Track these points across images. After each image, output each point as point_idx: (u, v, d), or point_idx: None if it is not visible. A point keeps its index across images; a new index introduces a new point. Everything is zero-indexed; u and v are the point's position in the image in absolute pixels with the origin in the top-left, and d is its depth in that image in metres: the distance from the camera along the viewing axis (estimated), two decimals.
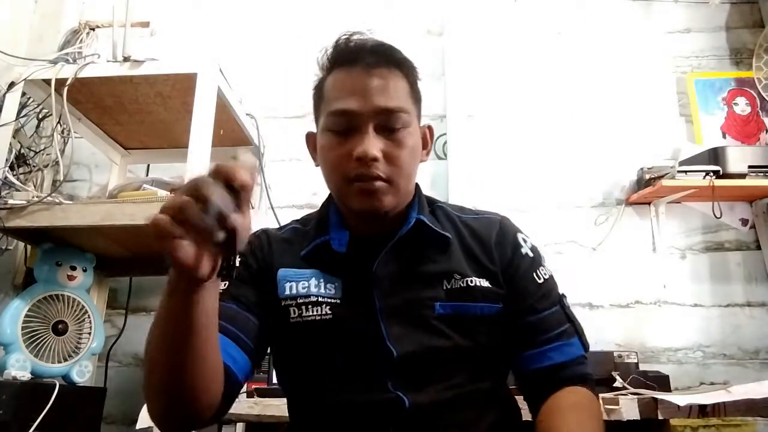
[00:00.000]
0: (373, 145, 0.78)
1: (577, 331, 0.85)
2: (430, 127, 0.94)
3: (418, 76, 0.89)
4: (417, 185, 0.92)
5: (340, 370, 0.80)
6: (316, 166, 0.89)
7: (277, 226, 0.97)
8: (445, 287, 0.82)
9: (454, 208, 0.94)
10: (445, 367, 0.79)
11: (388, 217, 0.84)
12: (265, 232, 0.93)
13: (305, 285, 0.84)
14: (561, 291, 0.89)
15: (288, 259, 0.87)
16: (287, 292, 0.84)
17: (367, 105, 0.80)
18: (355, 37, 0.85)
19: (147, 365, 0.67)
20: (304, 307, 0.82)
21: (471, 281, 0.82)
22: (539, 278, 0.86)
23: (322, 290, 0.83)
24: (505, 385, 0.88)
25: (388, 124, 0.81)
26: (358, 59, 0.82)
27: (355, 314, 0.81)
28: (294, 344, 0.85)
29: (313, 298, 0.82)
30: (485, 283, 0.83)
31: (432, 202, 0.94)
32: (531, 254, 0.88)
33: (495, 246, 0.87)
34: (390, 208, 0.82)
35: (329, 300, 0.82)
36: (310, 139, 0.91)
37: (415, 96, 0.88)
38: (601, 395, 1.08)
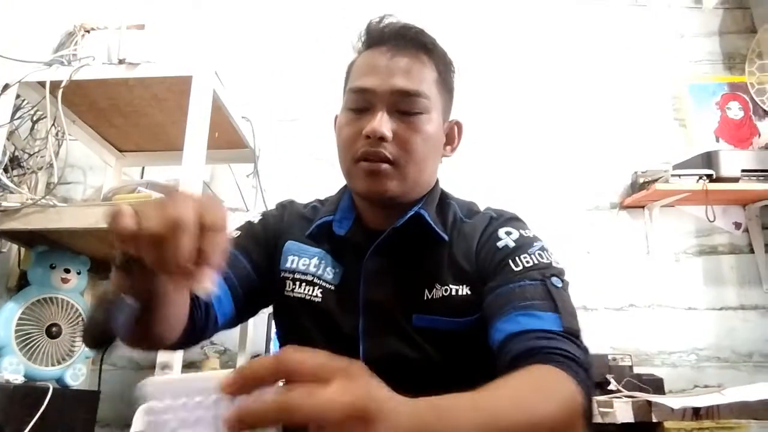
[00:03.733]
0: (383, 123, 0.76)
1: (559, 311, 0.68)
2: (458, 123, 0.90)
3: (450, 66, 0.86)
4: (437, 182, 0.89)
5: None
6: None
7: (303, 203, 0.96)
8: (426, 297, 0.79)
9: (464, 208, 0.89)
10: (412, 378, 0.71)
11: (393, 206, 0.82)
12: (291, 203, 0.95)
13: (306, 262, 0.84)
14: (559, 278, 0.74)
15: (299, 234, 0.88)
16: (288, 264, 0.85)
17: (384, 84, 0.78)
18: (387, 19, 0.85)
19: None
20: (298, 283, 0.83)
21: (449, 290, 0.78)
22: (517, 265, 0.75)
23: (321, 272, 0.83)
24: None
25: (403, 106, 0.78)
26: (385, 40, 0.82)
27: (341, 304, 0.80)
28: (282, 318, 0.86)
29: (309, 277, 0.83)
30: (465, 291, 0.78)
31: (445, 198, 0.89)
32: (512, 244, 0.78)
33: (479, 247, 0.81)
34: (395, 194, 0.79)
35: (324, 284, 0.82)
36: (336, 120, 0.89)
37: (443, 86, 0.84)
38: (595, 398, 1.08)
